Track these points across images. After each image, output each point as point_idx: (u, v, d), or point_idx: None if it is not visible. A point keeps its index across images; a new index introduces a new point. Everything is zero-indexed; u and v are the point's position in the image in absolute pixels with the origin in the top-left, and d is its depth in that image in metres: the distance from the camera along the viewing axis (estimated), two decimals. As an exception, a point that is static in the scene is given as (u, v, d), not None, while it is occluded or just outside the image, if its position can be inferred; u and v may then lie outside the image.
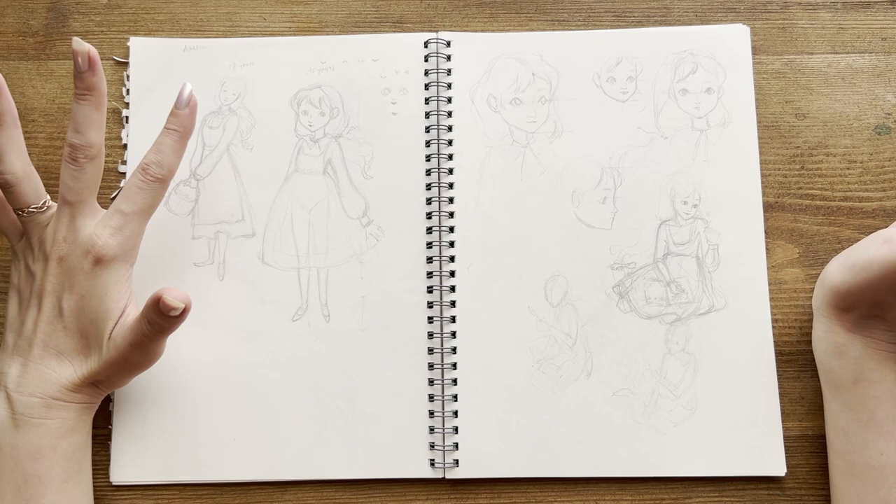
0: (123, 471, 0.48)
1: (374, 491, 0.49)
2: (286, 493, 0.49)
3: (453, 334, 0.49)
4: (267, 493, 0.49)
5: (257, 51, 0.52)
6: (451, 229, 0.50)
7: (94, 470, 0.47)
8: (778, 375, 0.49)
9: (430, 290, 0.50)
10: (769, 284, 0.50)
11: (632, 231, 0.50)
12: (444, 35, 0.52)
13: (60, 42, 0.53)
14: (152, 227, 0.48)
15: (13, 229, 0.46)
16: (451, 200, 0.51)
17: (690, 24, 0.53)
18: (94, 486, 0.48)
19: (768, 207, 0.51)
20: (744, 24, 0.53)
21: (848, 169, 0.51)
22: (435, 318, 0.50)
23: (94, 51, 0.43)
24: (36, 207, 0.45)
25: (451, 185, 0.51)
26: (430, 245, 0.50)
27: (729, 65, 0.52)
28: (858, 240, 0.48)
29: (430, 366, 0.49)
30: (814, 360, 0.48)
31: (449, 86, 0.52)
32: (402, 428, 0.49)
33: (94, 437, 0.47)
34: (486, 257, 0.50)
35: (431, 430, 0.49)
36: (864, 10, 0.53)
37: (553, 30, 0.53)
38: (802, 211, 0.51)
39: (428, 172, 0.51)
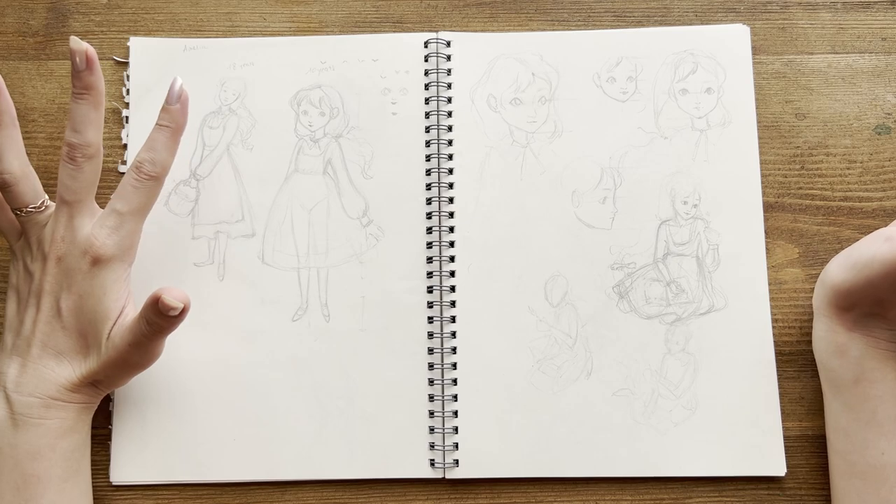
0: (123, 471, 0.48)
1: (374, 491, 0.49)
2: (286, 493, 0.49)
3: (453, 334, 0.49)
4: (267, 493, 0.49)
5: (257, 51, 0.52)
6: (451, 229, 0.50)
7: (93, 470, 0.47)
8: (778, 375, 0.49)
9: (430, 290, 0.50)
10: (769, 284, 0.50)
11: (632, 231, 0.50)
12: (444, 35, 0.52)
13: (60, 42, 0.53)
14: (152, 228, 0.49)
15: (11, 229, 0.46)
16: (451, 200, 0.51)
17: (690, 24, 0.53)
18: (94, 486, 0.48)
19: (768, 207, 0.51)
20: (744, 24, 0.53)
21: (848, 169, 0.51)
22: (435, 318, 0.50)
23: (91, 50, 0.43)
24: (34, 207, 0.45)
25: (451, 185, 0.51)
26: (430, 245, 0.50)
27: (729, 65, 0.52)
28: (858, 240, 0.48)
29: (430, 366, 0.49)
30: (814, 360, 0.48)
31: (449, 86, 0.52)
32: (401, 428, 0.49)
33: (93, 437, 0.47)
34: (486, 257, 0.50)
35: (431, 430, 0.49)
36: (864, 10, 0.53)
37: (553, 30, 0.53)
38: (802, 211, 0.51)
39: (428, 172, 0.51)
